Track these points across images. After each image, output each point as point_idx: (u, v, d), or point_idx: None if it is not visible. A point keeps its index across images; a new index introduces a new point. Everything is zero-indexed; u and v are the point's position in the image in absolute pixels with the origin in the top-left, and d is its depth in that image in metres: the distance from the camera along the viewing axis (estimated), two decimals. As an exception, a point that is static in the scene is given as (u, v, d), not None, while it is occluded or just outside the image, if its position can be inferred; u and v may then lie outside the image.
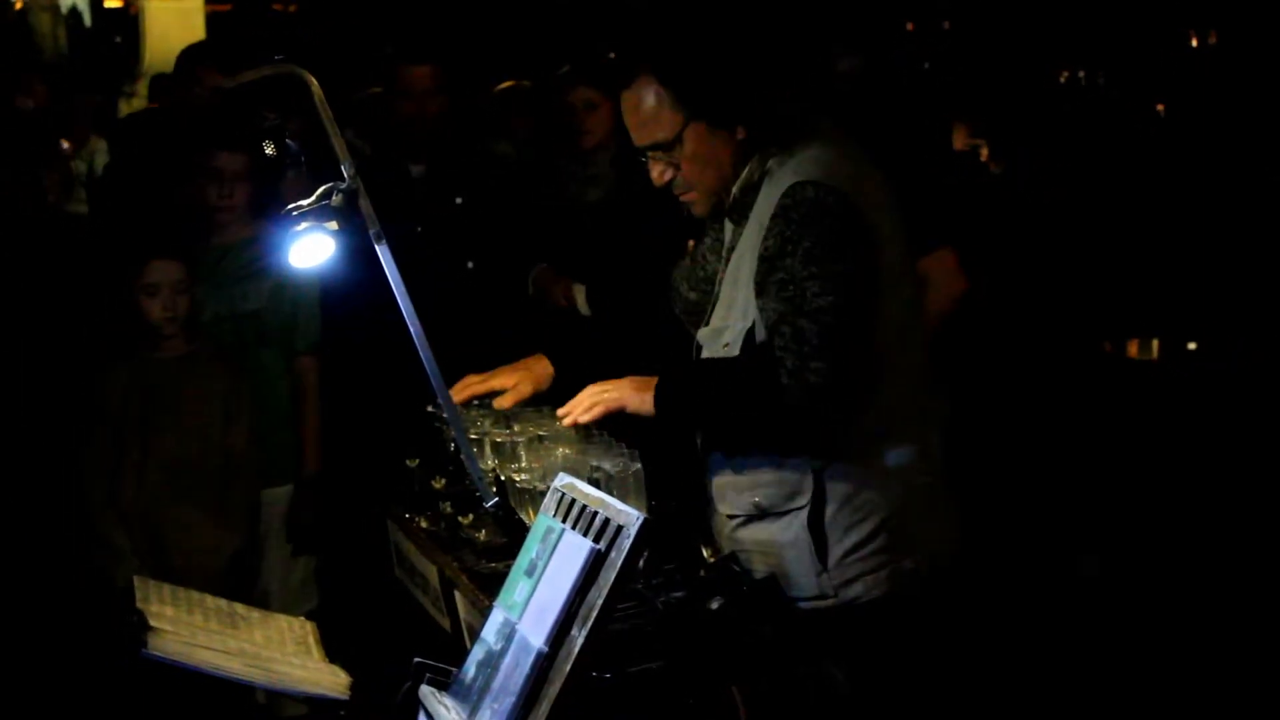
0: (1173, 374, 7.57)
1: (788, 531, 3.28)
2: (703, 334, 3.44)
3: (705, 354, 3.42)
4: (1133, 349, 7.83)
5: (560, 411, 3.36)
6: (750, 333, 3.22)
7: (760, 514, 3.32)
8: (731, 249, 3.38)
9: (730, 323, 3.31)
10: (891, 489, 3.27)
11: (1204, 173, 10.96)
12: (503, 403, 3.62)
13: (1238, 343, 7.72)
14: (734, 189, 3.33)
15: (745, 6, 3.42)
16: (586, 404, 3.28)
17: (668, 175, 3.34)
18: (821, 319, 3.07)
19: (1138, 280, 8.56)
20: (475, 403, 3.82)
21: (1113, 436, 6.66)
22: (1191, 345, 8.02)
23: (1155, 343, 7.90)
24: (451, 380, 3.53)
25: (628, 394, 3.22)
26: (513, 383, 3.63)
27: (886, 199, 3.29)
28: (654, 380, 3.22)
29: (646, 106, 3.28)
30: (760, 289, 3.18)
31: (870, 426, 3.23)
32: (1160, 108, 14.00)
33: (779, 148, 3.27)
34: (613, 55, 5.75)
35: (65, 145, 8.82)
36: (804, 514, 3.25)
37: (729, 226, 3.44)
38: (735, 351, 3.26)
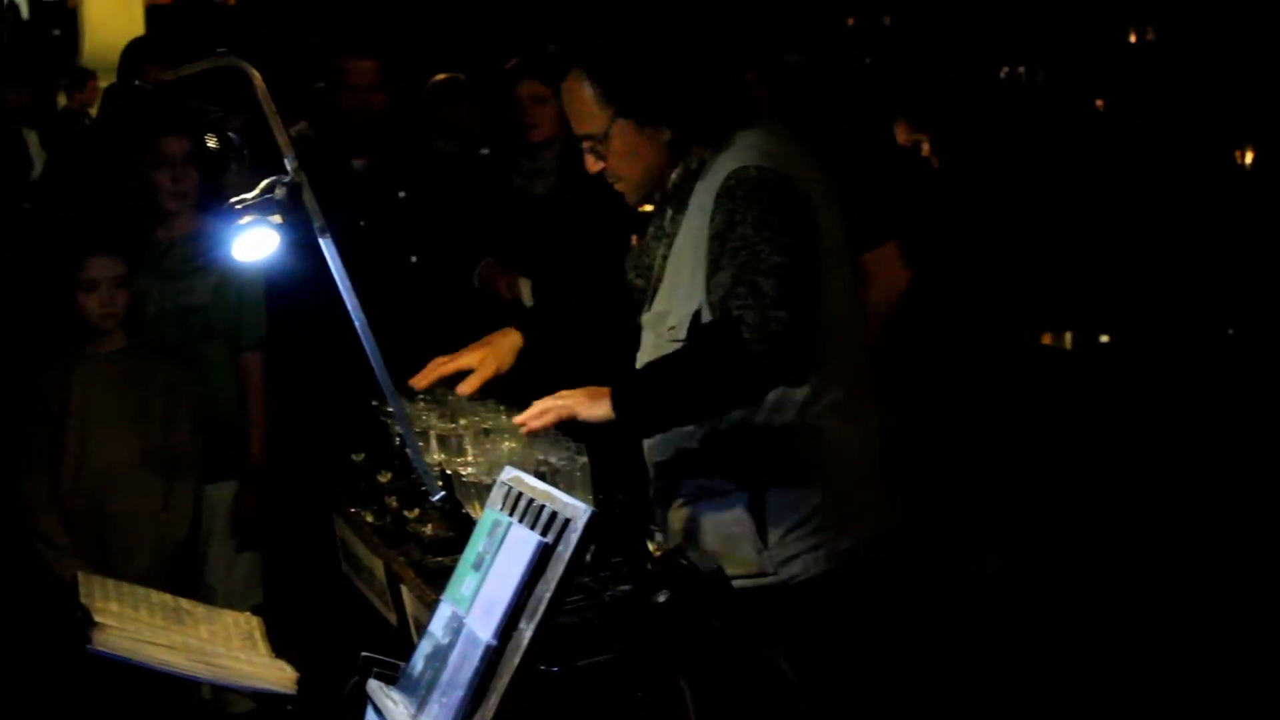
0: (1088, 367, 7.69)
1: (729, 511, 3.33)
2: (646, 319, 3.47)
3: (648, 337, 3.46)
4: (1046, 339, 7.94)
5: (519, 420, 3.29)
6: (696, 315, 3.25)
7: (703, 494, 3.37)
8: (672, 236, 3.41)
9: (674, 307, 3.35)
10: (830, 470, 3.32)
11: (1144, 167, 11.04)
12: (465, 388, 3.54)
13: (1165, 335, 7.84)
14: (672, 177, 3.38)
15: (677, 11, 3.42)
16: (537, 411, 3.23)
17: (599, 165, 3.41)
18: (778, 273, 3.08)
19: (1071, 272, 8.64)
20: (421, 397, 3.81)
21: (1041, 424, 6.75)
22: (1104, 338, 8.12)
23: (1068, 335, 8.01)
24: (396, 374, 3.51)
25: (580, 402, 3.17)
26: (477, 362, 3.57)
27: (824, 187, 3.34)
28: (603, 390, 3.16)
29: (578, 99, 3.36)
30: (714, 265, 3.19)
31: (810, 407, 3.28)
32: (1100, 104, 14.09)
33: (716, 137, 3.32)
34: (548, 50, 5.76)
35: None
36: (745, 494, 3.31)
37: (668, 214, 3.47)
38: (681, 335, 3.29)
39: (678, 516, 3.42)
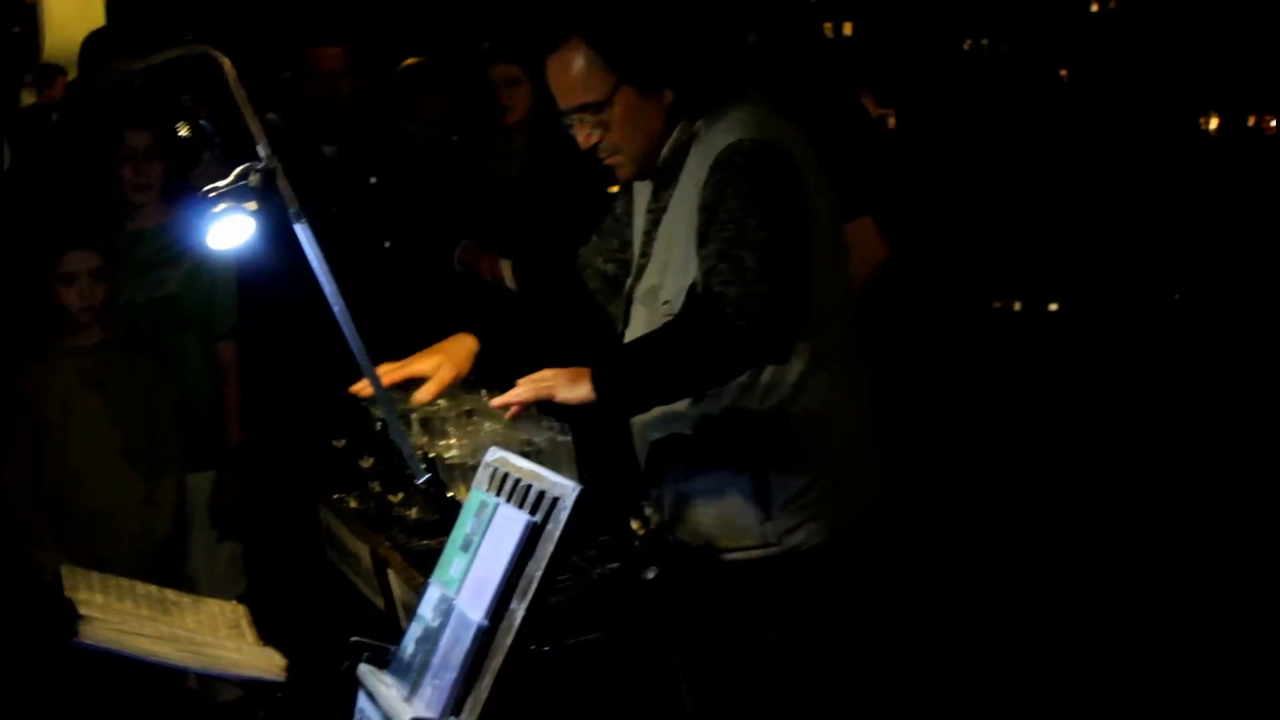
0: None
1: (730, 484, 3.30)
2: (639, 293, 3.42)
3: (639, 311, 3.41)
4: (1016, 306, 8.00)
5: (496, 403, 3.21)
6: (692, 289, 3.20)
7: (702, 469, 3.33)
8: (661, 210, 3.36)
9: (665, 281, 3.31)
10: (829, 439, 3.31)
11: (1108, 136, 11.07)
12: (422, 396, 3.43)
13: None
14: (663, 150, 3.32)
15: None
16: (517, 394, 3.15)
17: (594, 138, 3.31)
18: (761, 250, 3.04)
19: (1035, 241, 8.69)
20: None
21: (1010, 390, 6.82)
22: (1053, 306, 8.18)
23: (1017, 304, 8.06)
24: (376, 358, 3.49)
25: (559, 382, 3.10)
26: (431, 369, 3.45)
27: (814, 160, 3.30)
28: (582, 371, 3.10)
29: (576, 69, 3.26)
30: (702, 238, 3.15)
31: (806, 380, 3.26)
32: (1064, 73, 14.11)
33: (706, 110, 3.28)
34: (534, 23, 5.73)
35: None
36: (746, 467, 3.28)
37: (645, 190, 3.44)
38: (676, 309, 3.25)
39: (675, 492, 3.38)
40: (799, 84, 4.99)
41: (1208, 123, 12.15)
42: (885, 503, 3.44)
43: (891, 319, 5.09)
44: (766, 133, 3.20)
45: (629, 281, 3.48)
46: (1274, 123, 12.39)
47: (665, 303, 3.29)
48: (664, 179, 3.36)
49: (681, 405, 3.32)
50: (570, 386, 3.08)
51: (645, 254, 3.42)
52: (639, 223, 3.48)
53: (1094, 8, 15.69)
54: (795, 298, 3.09)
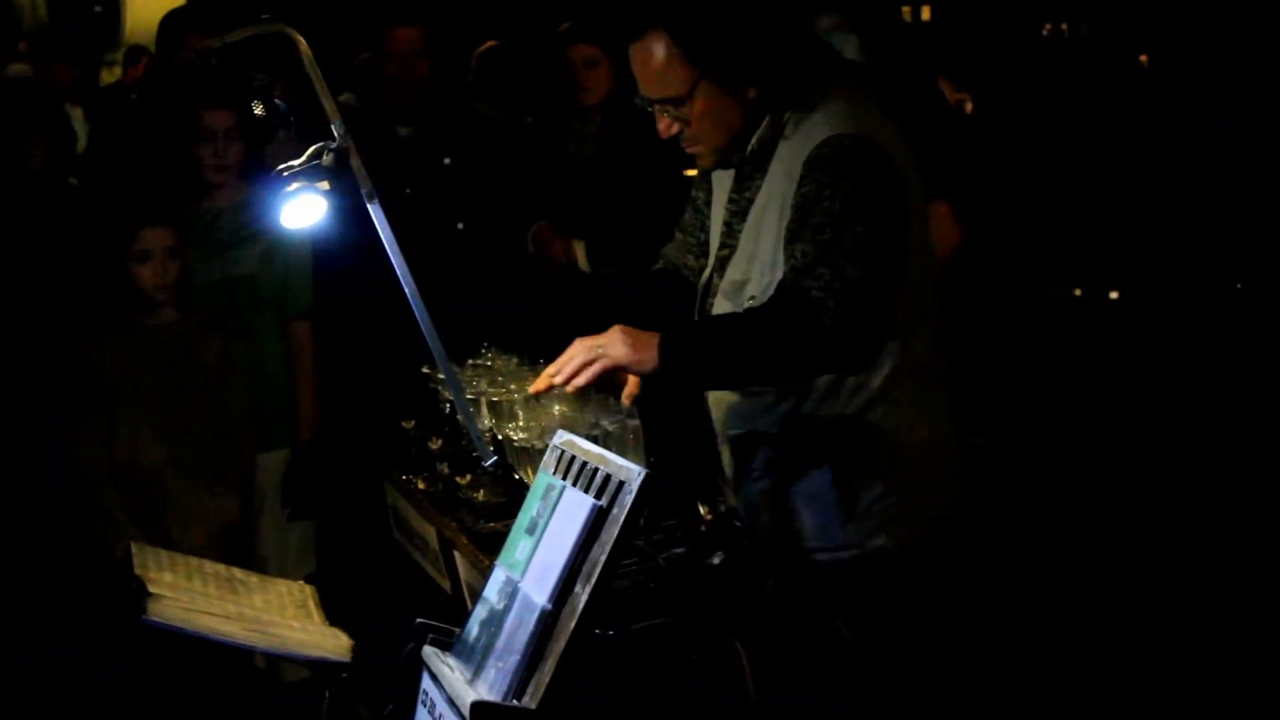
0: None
1: (812, 485, 3.27)
2: (723, 286, 3.35)
3: (725, 307, 3.33)
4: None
5: (549, 371, 3.17)
6: (783, 283, 3.10)
7: (783, 469, 3.30)
8: (748, 201, 3.30)
9: (752, 275, 3.25)
10: (911, 443, 3.27)
11: (1188, 124, 10.93)
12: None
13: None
14: (751, 141, 3.25)
15: None
16: (579, 364, 3.09)
17: (675, 129, 3.26)
18: (863, 260, 2.97)
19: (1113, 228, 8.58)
20: (470, 362, 3.80)
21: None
22: (1114, 294, 8.08)
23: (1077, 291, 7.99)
24: (445, 340, 3.49)
25: (622, 351, 3.03)
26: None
27: (908, 153, 3.23)
28: (650, 336, 3.04)
29: (656, 61, 3.18)
30: (793, 235, 3.08)
31: (892, 382, 3.22)
32: (1144, 59, 13.95)
33: (795, 103, 3.20)
34: (617, 9, 5.70)
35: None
36: (828, 468, 3.26)
37: (726, 180, 3.38)
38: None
39: (757, 490, 3.35)
40: (878, 70, 4.96)
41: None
42: (963, 506, 3.40)
43: (960, 304, 5.05)
44: (864, 127, 3.12)
45: (707, 273, 3.43)
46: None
47: (752, 298, 3.23)
48: (750, 170, 3.29)
49: (763, 403, 3.28)
50: (635, 352, 3.02)
51: (727, 245, 3.36)
52: (719, 213, 3.42)
53: (1177, -9, 15.50)
54: (891, 310, 3.04)
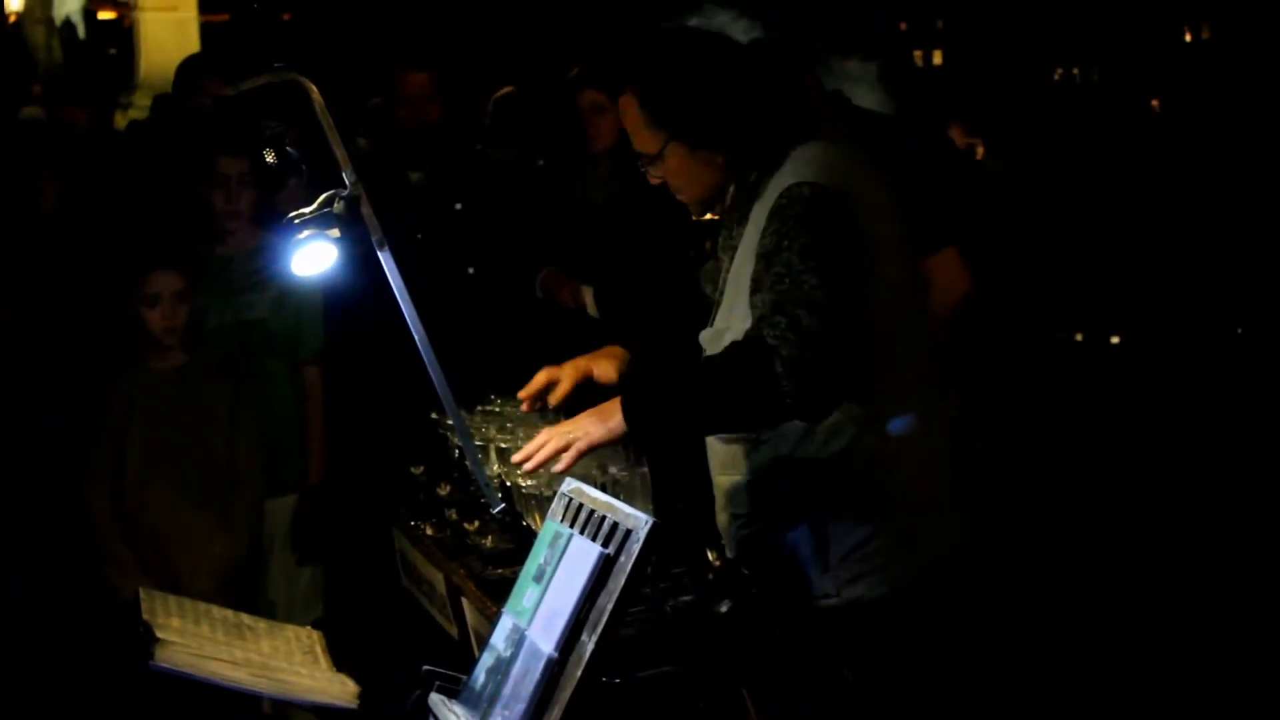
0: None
1: (792, 533, 3.26)
2: (705, 336, 3.39)
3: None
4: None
5: (518, 458, 3.22)
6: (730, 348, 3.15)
7: (766, 515, 3.30)
8: (734, 250, 3.34)
9: (733, 324, 3.27)
10: (892, 492, 3.24)
11: (1201, 168, 10.94)
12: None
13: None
14: (729, 191, 3.32)
15: (726, 43, 3.36)
16: (552, 450, 3.11)
17: (657, 180, 3.35)
18: (819, 312, 3.00)
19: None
20: (479, 408, 3.81)
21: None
22: (1114, 339, 8.08)
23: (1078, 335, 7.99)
24: (456, 386, 3.49)
25: (593, 426, 3.08)
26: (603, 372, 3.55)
27: (886, 199, 3.26)
28: (613, 404, 3.09)
29: (630, 121, 3.30)
30: (756, 285, 3.12)
31: (868, 431, 3.20)
32: (1155, 104, 13.98)
33: (766, 161, 3.25)
34: (598, 73, 5.75)
35: None
36: (807, 517, 3.24)
37: (733, 227, 3.40)
38: None
39: (741, 536, 3.35)
40: (885, 114, 4.96)
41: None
42: (962, 555, 3.36)
43: (971, 352, 5.04)
44: (827, 176, 3.14)
45: (709, 322, 3.45)
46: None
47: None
48: (737, 218, 3.33)
49: (745, 448, 3.29)
50: (602, 425, 3.07)
51: (721, 293, 3.39)
52: (724, 259, 3.45)
53: (1187, 37, 15.57)
54: (847, 362, 3.06)
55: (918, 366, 3.30)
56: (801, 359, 2.97)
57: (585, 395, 3.47)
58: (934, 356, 3.38)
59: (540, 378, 3.51)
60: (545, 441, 3.11)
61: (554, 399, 3.49)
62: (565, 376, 3.51)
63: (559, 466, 3.06)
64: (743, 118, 3.25)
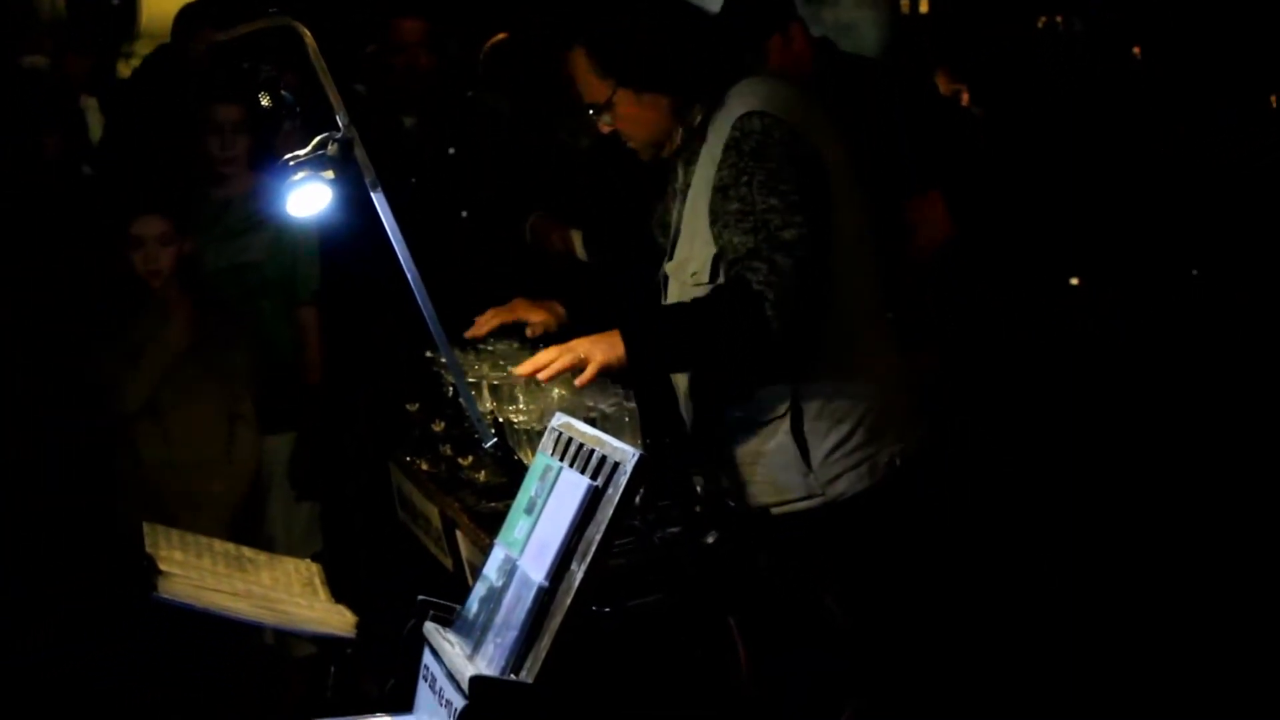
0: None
1: (772, 440, 3.40)
2: (669, 267, 3.52)
3: (673, 286, 3.50)
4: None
5: (524, 369, 3.34)
6: (716, 259, 3.30)
7: (744, 428, 3.42)
8: (687, 187, 3.45)
9: (694, 253, 3.39)
10: (861, 390, 3.39)
11: (1181, 115, 10.91)
12: (534, 331, 3.68)
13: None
14: (678, 133, 3.43)
15: None
16: (566, 363, 3.24)
17: (608, 128, 3.49)
18: (795, 252, 3.15)
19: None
20: (473, 347, 3.82)
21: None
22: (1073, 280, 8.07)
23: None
24: (449, 326, 3.51)
25: (593, 348, 3.22)
26: (539, 318, 3.69)
27: (830, 128, 3.40)
28: (612, 334, 3.23)
29: (580, 73, 3.45)
30: (715, 216, 3.26)
31: (837, 336, 3.33)
32: (1136, 51, 13.93)
33: (711, 99, 3.38)
34: (546, 31, 5.79)
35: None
36: (786, 422, 3.37)
37: (681, 169, 3.52)
38: (704, 279, 3.34)
39: (721, 456, 3.46)
40: (865, 61, 4.97)
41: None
42: (925, 452, 3.50)
43: (955, 294, 5.05)
44: (774, 106, 3.28)
45: (665, 257, 3.57)
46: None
47: (693, 274, 3.38)
48: (687, 158, 3.46)
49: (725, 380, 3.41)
50: (605, 349, 3.20)
51: (675, 228, 3.51)
52: (676, 202, 3.55)
53: (1168, -13, 15.48)
54: (824, 292, 3.21)
55: (873, 278, 3.48)
56: (785, 301, 3.12)
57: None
58: (887, 287, 3.55)
59: (486, 318, 3.69)
60: (555, 358, 3.23)
61: (487, 327, 3.69)
62: (544, 318, 3.68)
63: (580, 380, 3.20)
64: (684, 58, 3.38)
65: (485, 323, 3.72)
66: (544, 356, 3.26)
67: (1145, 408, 6.59)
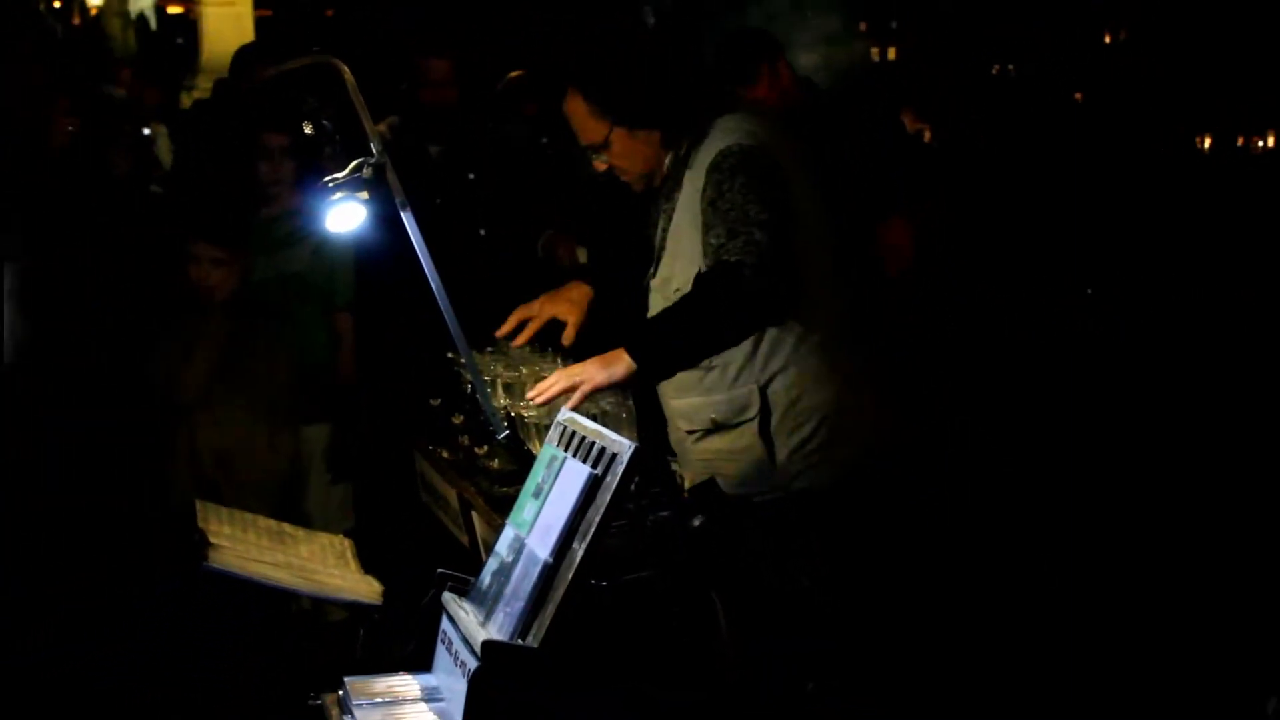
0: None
1: (741, 440, 3.37)
2: (653, 283, 3.49)
3: (655, 300, 3.46)
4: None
5: (531, 394, 3.28)
6: (698, 276, 3.24)
7: (716, 428, 3.40)
8: (673, 210, 3.42)
9: (676, 271, 3.37)
10: (824, 394, 3.35)
11: (1117, 152, 10.93)
12: (566, 339, 3.57)
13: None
14: (666, 163, 3.41)
15: (659, 35, 3.46)
16: (562, 388, 3.16)
17: (604, 165, 3.45)
18: (766, 228, 3.13)
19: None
20: (488, 348, 3.81)
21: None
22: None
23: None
24: (468, 330, 3.49)
25: (598, 371, 3.13)
26: (563, 311, 3.57)
27: (800, 159, 3.37)
28: (615, 352, 3.14)
29: (577, 117, 3.40)
30: (708, 226, 3.23)
31: (799, 346, 3.32)
32: (1078, 96, 13.96)
33: (695, 133, 3.35)
34: (544, 77, 5.79)
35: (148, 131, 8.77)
36: (754, 424, 3.35)
37: (666, 194, 3.49)
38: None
39: (697, 449, 3.44)
40: (844, 101, 4.97)
41: (1202, 142, 12.01)
42: (887, 453, 3.45)
43: (921, 307, 5.03)
44: (750, 137, 3.27)
45: (648, 274, 3.53)
46: (1261, 143, 12.25)
47: (676, 290, 3.34)
48: (670, 186, 3.42)
49: (693, 380, 3.38)
50: (609, 369, 3.12)
51: (661, 248, 3.48)
52: (660, 224, 3.52)
53: (1107, 39, 15.52)
54: (794, 264, 3.17)
55: (834, 298, 3.42)
56: (762, 264, 3.09)
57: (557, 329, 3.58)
58: (842, 296, 3.47)
59: (515, 316, 3.59)
60: (555, 382, 3.17)
61: (524, 336, 3.56)
62: (536, 316, 3.56)
63: (570, 404, 3.09)
64: (676, 95, 3.37)
65: (514, 322, 3.60)
66: (544, 383, 3.20)
67: (1145, 408, 6.53)
